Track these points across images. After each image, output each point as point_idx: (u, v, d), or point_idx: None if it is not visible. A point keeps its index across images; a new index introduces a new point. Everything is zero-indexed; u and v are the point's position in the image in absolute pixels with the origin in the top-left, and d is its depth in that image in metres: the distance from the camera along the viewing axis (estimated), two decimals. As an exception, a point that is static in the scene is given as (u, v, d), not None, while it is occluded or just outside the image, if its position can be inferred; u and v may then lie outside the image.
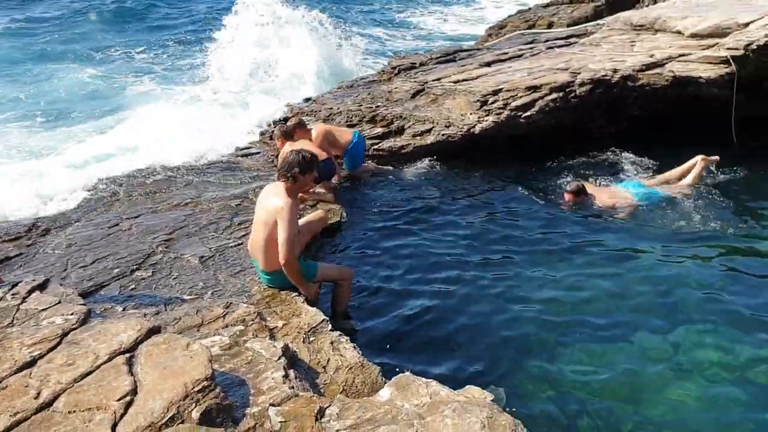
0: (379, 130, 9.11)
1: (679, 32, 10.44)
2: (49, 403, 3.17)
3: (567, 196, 7.61)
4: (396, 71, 11.75)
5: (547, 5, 18.03)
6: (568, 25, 15.97)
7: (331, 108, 9.88)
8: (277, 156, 8.16)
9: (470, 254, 6.55)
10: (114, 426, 2.97)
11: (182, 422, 3.00)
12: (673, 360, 4.87)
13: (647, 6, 15.68)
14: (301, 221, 5.58)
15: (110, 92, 16.18)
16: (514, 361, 4.91)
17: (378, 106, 9.58)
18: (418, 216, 7.43)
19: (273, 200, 4.91)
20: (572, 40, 12.52)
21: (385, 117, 9.24)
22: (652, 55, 9.66)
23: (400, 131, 9.08)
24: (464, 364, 4.79)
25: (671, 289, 5.77)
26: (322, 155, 7.28)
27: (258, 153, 9.38)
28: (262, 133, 10.08)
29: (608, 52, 10.60)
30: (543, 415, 4.34)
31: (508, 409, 3.44)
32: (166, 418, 3.01)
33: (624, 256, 6.49)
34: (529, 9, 18.60)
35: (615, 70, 9.37)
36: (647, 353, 4.96)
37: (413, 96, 9.93)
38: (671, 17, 11.03)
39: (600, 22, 13.81)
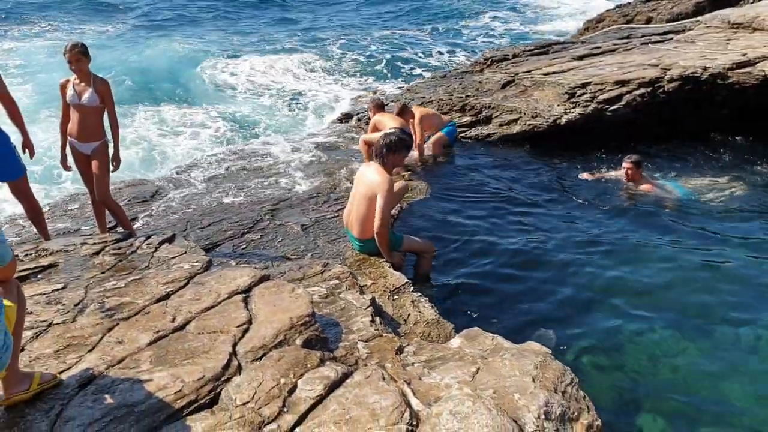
0: (467, 118, 9.65)
1: (776, 31, 10.44)
2: (182, 326, 3.95)
3: (627, 166, 7.92)
4: (489, 62, 12.21)
5: (647, 0, 17.90)
6: (667, 21, 15.91)
7: (424, 97, 10.48)
8: (367, 123, 9.07)
9: (544, 235, 7.02)
10: (234, 345, 3.70)
11: (288, 346, 3.71)
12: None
13: (752, 3, 15.42)
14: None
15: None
16: (577, 326, 5.41)
17: (468, 96, 10.12)
18: (496, 196, 7.95)
19: (373, 176, 5.57)
20: (668, 36, 12.62)
21: (474, 106, 9.78)
22: (744, 54, 9.74)
23: (488, 120, 9.59)
24: (530, 327, 5.33)
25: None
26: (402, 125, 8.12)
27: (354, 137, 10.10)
28: (359, 119, 10.82)
29: (702, 50, 10.71)
30: (594, 370, 4.85)
31: (560, 358, 3.94)
32: (276, 342, 3.72)
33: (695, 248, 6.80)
34: (629, 3, 18.52)
35: (705, 68, 9.52)
36: (714, 342, 5.31)
37: (503, 87, 10.40)
38: (770, 16, 11.01)
39: (698, 19, 13.77)
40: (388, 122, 8.13)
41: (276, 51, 19.69)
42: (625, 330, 5.45)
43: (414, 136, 8.80)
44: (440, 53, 19.66)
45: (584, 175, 8.34)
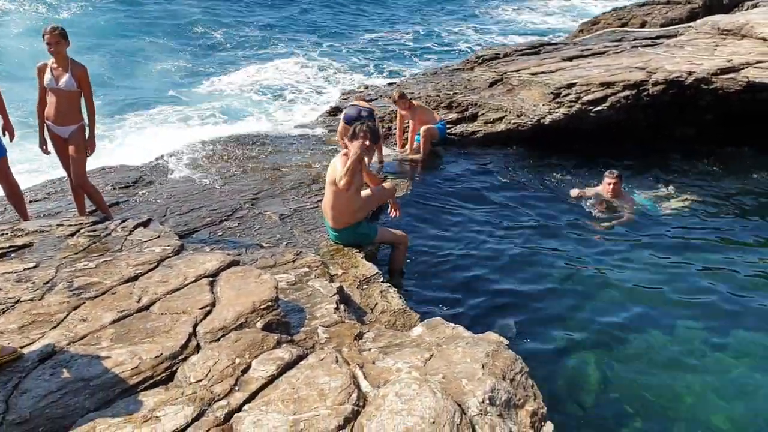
0: (453, 115, 9.74)
1: (764, 39, 10.54)
2: (146, 307, 4.03)
3: (611, 181, 7.77)
4: (479, 61, 12.30)
5: (642, 4, 18.00)
6: (661, 26, 16.00)
7: (413, 92, 10.55)
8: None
9: (520, 237, 7.12)
10: (195, 326, 3.78)
11: (248, 328, 3.79)
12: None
13: (744, 10, 15.52)
14: (370, 190, 6.32)
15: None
16: (542, 323, 5.52)
17: (455, 93, 10.20)
18: (474, 193, 8.05)
19: (337, 164, 5.67)
20: (659, 40, 12.71)
21: (460, 103, 9.86)
22: (729, 60, 9.83)
23: (474, 118, 9.68)
24: (496, 319, 5.43)
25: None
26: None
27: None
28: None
29: (689, 55, 10.80)
30: (550, 364, 4.97)
31: (520, 347, 4.03)
32: (236, 324, 3.81)
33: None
34: (625, 7, 18.59)
35: (690, 72, 9.61)
36: (681, 338, 5.45)
37: (491, 85, 10.49)
38: (759, 23, 11.11)
39: (690, 24, 13.85)
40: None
41: (268, 51, 19.76)
42: (592, 324, 5.57)
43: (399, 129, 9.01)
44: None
45: (574, 192, 8.24)
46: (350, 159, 5.43)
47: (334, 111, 11.04)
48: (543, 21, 25.73)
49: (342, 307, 4.50)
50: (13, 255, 4.82)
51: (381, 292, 5.18)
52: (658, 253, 6.79)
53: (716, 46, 11.14)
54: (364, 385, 3.30)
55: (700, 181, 8.82)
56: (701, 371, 4.99)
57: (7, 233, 5.20)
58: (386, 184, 6.86)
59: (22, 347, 3.49)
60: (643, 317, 5.65)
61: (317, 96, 14.98)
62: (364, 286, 5.26)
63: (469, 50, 20.25)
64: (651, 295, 6.03)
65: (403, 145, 9.16)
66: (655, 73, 9.79)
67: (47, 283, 4.30)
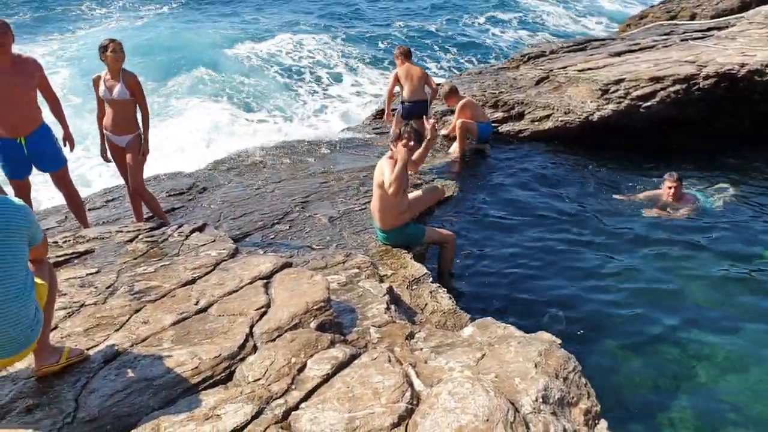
0: (499, 114, 9.72)
1: (820, 26, 10.22)
2: (204, 309, 4.16)
3: (671, 184, 7.57)
4: (525, 59, 12.24)
5: (692, -5, 17.61)
6: (712, 17, 15.66)
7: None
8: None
9: (568, 235, 7.06)
10: (251, 327, 3.89)
11: (302, 328, 3.88)
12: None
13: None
14: (418, 192, 6.41)
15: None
16: (594, 322, 5.49)
17: (501, 92, 10.18)
18: (522, 194, 8.01)
19: (382, 165, 5.74)
20: (710, 33, 12.44)
21: (506, 102, 9.83)
22: (784, 50, 9.58)
23: (520, 116, 9.64)
24: (546, 316, 5.43)
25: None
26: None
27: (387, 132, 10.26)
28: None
29: (742, 46, 10.55)
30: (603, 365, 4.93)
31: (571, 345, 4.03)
32: (291, 325, 3.90)
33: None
34: (673, -1, 18.23)
35: (742, 65, 9.39)
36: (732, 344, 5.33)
37: (537, 83, 10.43)
38: (814, 11, 10.77)
39: (742, 15, 13.52)
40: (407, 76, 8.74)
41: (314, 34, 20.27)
42: (643, 325, 5.51)
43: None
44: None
45: (632, 195, 8.05)
46: (398, 167, 5.49)
47: (380, 114, 11.11)
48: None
49: (392, 307, 4.56)
50: (76, 261, 5.02)
51: (431, 292, 5.22)
52: (717, 257, 6.60)
53: (770, 36, 10.86)
54: (417, 383, 3.35)
55: (756, 173, 8.61)
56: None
57: (69, 240, 5.41)
58: (434, 187, 6.93)
59: (88, 349, 3.65)
60: (699, 321, 5.53)
61: (364, 96, 15.20)
62: (414, 287, 5.31)
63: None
64: (708, 298, 5.88)
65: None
66: (705, 66, 9.60)
67: (109, 287, 4.47)
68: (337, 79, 17.07)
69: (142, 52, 17.12)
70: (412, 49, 9.58)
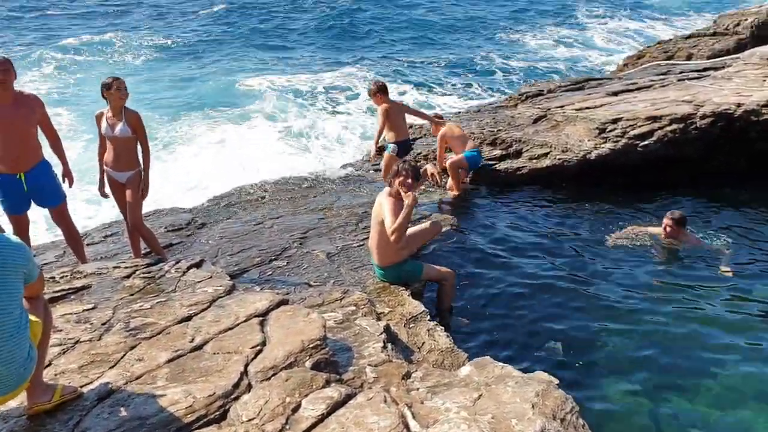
0: (497, 152, 9.76)
1: (814, 68, 10.34)
2: (200, 346, 4.15)
3: (666, 222, 7.51)
4: (523, 98, 12.35)
5: (688, 37, 17.84)
6: (708, 58, 15.82)
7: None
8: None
9: (566, 273, 7.04)
10: (246, 365, 3.87)
11: (297, 367, 3.86)
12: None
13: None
14: (416, 228, 6.41)
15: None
16: (593, 363, 5.45)
17: (499, 130, 10.25)
18: (520, 232, 8.00)
19: (380, 200, 5.77)
20: (706, 73, 12.57)
21: (504, 140, 9.89)
22: (780, 90, 9.67)
23: (518, 154, 9.69)
24: (544, 361, 5.37)
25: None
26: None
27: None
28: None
29: (738, 87, 10.65)
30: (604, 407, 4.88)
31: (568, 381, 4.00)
32: (286, 363, 3.88)
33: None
34: (670, 40, 18.47)
35: (739, 104, 9.47)
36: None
37: (535, 121, 10.51)
38: (809, 52, 10.91)
39: (738, 56, 13.69)
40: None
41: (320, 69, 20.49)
42: (641, 364, 5.47)
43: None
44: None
45: (628, 230, 7.98)
46: (401, 217, 5.49)
47: (379, 150, 11.16)
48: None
49: (389, 346, 4.54)
50: (72, 296, 5.02)
51: (428, 330, 5.19)
52: (711, 295, 6.59)
53: (765, 77, 10.95)
54: (413, 424, 3.32)
55: (753, 211, 8.63)
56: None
57: (66, 275, 5.41)
58: (431, 222, 6.92)
59: (81, 386, 3.62)
60: (700, 361, 5.49)
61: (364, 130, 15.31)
62: (411, 325, 5.29)
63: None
64: (708, 338, 5.83)
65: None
66: (702, 106, 9.68)
67: (105, 323, 4.46)
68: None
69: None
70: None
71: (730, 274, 6.99)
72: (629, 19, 30.62)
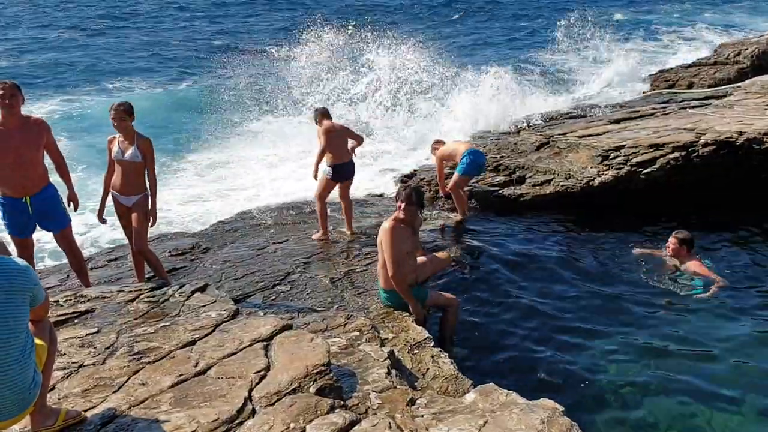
0: (500, 178, 9.81)
1: (816, 96, 10.41)
2: (204, 371, 4.14)
3: (670, 241, 7.55)
4: (526, 124, 12.41)
5: (689, 66, 17.96)
6: (709, 87, 15.93)
7: (459, 157, 10.67)
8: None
9: (571, 298, 7.03)
10: (250, 390, 3.86)
11: (302, 392, 3.84)
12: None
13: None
14: (428, 258, 6.47)
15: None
16: (598, 391, 5.42)
17: (502, 157, 10.30)
18: (525, 259, 7.97)
19: (383, 227, 5.81)
20: (708, 101, 12.65)
21: (507, 166, 9.94)
22: (781, 119, 9.73)
23: (521, 180, 9.72)
24: (549, 389, 5.34)
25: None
26: None
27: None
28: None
29: (739, 115, 10.72)
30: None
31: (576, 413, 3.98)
32: (290, 389, 3.87)
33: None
34: (671, 69, 18.57)
35: (740, 133, 9.51)
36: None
37: (538, 148, 10.56)
38: (810, 81, 11.00)
39: (739, 84, 13.79)
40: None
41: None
42: (648, 391, 5.44)
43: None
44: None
45: (636, 251, 8.08)
46: (405, 295, 5.73)
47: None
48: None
49: (393, 372, 4.52)
50: (76, 321, 5.01)
51: (432, 356, 5.17)
52: (711, 318, 6.59)
53: (767, 106, 11.04)
54: (418, 451, 3.30)
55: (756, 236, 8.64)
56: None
57: (70, 299, 5.41)
58: (441, 254, 6.95)
59: (85, 411, 3.61)
60: (706, 388, 5.46)
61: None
62: (415, 351, 5.27)
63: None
64: (719, 368, 5.81)
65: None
66: (704, 134, 9.72)
67: (108, 347, 4.45)
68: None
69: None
70: None
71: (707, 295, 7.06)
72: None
